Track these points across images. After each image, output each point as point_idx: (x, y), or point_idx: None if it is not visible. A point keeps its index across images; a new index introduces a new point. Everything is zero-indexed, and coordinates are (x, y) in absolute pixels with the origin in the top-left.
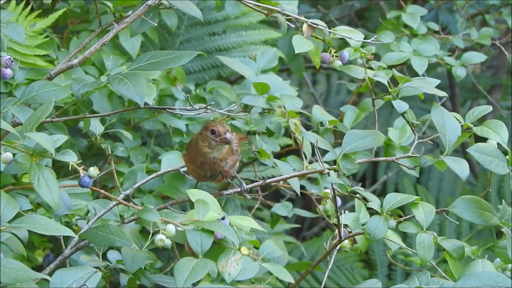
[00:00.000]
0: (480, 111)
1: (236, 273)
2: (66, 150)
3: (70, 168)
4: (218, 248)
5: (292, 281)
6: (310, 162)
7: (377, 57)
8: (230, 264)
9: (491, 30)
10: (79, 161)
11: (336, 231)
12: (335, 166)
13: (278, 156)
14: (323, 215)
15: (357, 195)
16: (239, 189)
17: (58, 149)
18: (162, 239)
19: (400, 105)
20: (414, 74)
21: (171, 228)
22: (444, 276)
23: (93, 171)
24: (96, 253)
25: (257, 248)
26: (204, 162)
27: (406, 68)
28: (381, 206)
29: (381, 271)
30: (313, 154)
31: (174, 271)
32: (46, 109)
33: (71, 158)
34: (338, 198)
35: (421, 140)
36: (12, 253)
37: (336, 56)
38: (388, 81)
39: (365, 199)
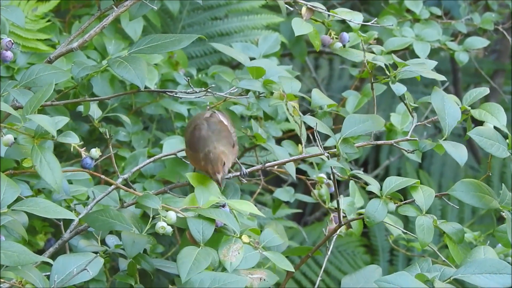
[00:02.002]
0: (477, 93)
1: (238, 262)
2: (67, 132)
3: (72, 149)
4: (218, 235)
5: (292, 269)
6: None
7: (379, 42)
8: (232, 253)
9: (494, 15)
10: (81, 143)
11: (332, 216)
12: (335, 150)
13: (280, 140)
14: (318, 200)
15: (358, 180)
16: (238, 174)
17: (59, 133)
18: (163, 227)
19: (399, 88)
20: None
21: (172, 215)
22: (445, 262)
23: (95, 152)
24: (94, 238)
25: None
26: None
27: (409, 53)
28: (381, 190)
29: (382, 256)
30: (314, 138)
31: (177, 262)
32: (47, 91)
33: (73, 140)
34: (331, 183)
35: (420, 123)
36: (13, 238)
37: (336, 38)
38: (386, 65)
39: (365, 183)
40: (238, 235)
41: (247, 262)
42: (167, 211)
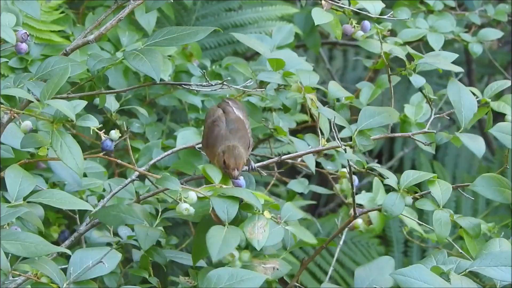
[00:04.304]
0: (498, 86)
1: (265, 239)
2: (86, 115)
3: (91, 132)
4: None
5: (315, 241)
6: (328, 140)
7: (393, 33)
8: (258, 230)
9: (508, 6)
10: (100, 125)
11: (351, 209)
12: (351, 143)
13: (294, 132)
14: (340, 195)
15: (374, 172)
16: (246, 168)
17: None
18: (187, 208)
19: (417, 80)
20: (431, 50)
21: (193, 195)
22: (460, 253)
23: (115, 134)
24: (107, 229)
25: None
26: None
27: (423, 45)
28: (398, 183)
29: (397, 248)
30: (329, 130)
31: (207, 242)
32: (63, 76)
33: (93, 123)
34: (355, 177)
35: (437, 115)
36: (27, 230)
37: (358, 27)
38: (405, 56)
39: (381, 176)
40: (261, 212)
41: (273, 238)
42: (188, 192)
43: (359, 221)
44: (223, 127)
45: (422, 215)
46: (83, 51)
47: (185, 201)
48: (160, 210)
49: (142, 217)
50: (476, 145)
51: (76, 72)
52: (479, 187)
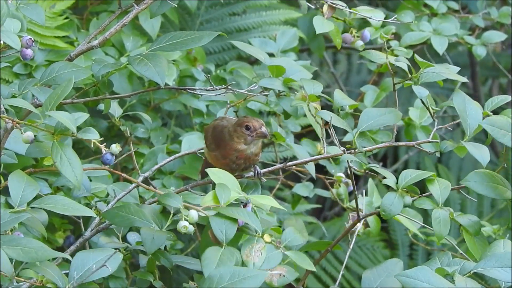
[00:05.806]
0: (499, 100)
1: (261, 262)
2: (87, 128)
3: (92, 145)
4: (238, 233)
5: (313, 269)
6: (331, 143)
7: (397, 36)
8: (254, 253)
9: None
10: (101, 139)
11: (350, 215)
12: (352, 146)
13: (299, 136)
14: (336, 199)
15: (373, 173)
16: (252, 174)
17: (78, 130)
18: (185, 226)
19: (420, 91)
20: (435, 53)
21: (194, 214)
22: (464, 256)
23: (115, 148)
24: (115, 235)
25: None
26: (240, 157)
27: (427, 48)
28: (397, 183)
29: (402, 251)
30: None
31: (202, 263)
32: (66, 88)
33: (93, 136)
34: (349, 182)
35: (441, 126)
36: (31, 235)
37: (358, 36)
38: (408, 66)
39: (383, 177)
40: (260, 235)
41: (270, 262)
42: (188, 209)
43: (357, 225)
44: (225, 121)
45: (427, 218)
46: (87, 56)
47: (185, 219)
48: (172, 212)
49: (151, 219)
50: (481, 153)
51: (81, 78)
52: (471, 183)
